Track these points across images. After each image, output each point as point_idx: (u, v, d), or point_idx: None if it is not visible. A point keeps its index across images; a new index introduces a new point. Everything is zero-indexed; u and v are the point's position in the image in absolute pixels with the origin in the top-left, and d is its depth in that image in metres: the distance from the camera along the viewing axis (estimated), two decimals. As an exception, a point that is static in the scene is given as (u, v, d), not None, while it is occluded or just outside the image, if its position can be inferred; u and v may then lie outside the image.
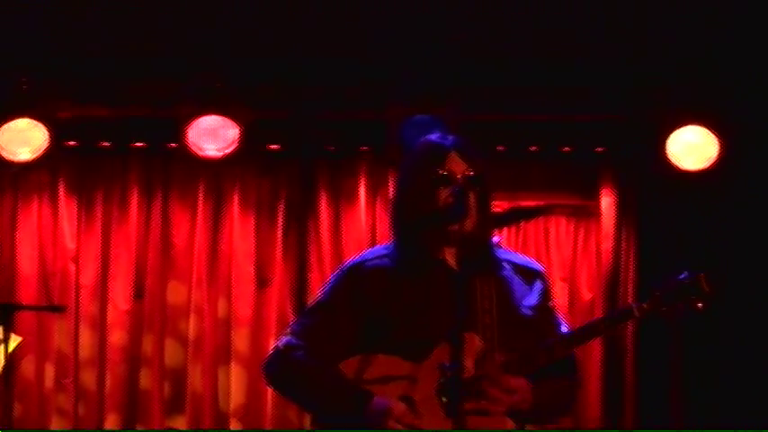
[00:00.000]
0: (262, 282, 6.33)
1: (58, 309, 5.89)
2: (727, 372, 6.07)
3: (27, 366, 6.18)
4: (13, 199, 6.27)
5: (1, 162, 5.92)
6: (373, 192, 6.34)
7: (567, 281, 6.38)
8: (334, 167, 6.36)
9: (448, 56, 5.84)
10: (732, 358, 6.08)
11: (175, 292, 6.31)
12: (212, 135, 5.94)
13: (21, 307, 5.53)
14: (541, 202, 6.37)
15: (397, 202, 3.54)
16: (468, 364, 3.27)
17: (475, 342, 3.31)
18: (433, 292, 3.37)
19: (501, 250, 3.51)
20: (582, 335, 3.42)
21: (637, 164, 6.23)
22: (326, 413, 3.42)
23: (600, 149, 6.27)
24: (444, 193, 3.38)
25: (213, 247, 6.33)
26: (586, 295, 6.37)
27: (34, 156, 5.89)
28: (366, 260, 3.48)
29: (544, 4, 5.62)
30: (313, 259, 6.29)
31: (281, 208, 6.35)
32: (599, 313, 6.15)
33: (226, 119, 5.91)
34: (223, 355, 6.29)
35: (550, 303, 3.53)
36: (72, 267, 6.25)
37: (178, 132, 5.91)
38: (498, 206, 3.63)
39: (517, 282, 3.47)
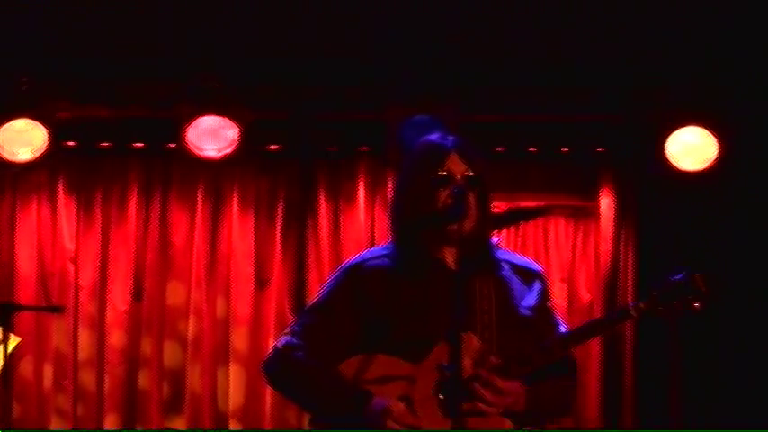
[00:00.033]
0: (261, 282, 6.33)
1: (56, 309, 5.89)
2: (727, 372, 6.07)
3: (26, 367, 6.17)
4: (13, 199, 6.27)
5: (0, 162, 5.92)
6: (372, 192, 6.34)
7: (566, 281, 6.38)
8: (333, 168, 6.36)
9: (447, 56, 5.84)
10: (731, 358, 6.08)
11: (174, 293, 6.31)
12: (212, 135, 5.94)
13: (19, 307, 5.52)
14: (540, 203, 6.37)
15: (396, 202, 3.54)
16: (467, 364, 3.27)
17: (473, 342, 3.31)
18: (432, 292, 3.37)
19: (500, 251, 3.51)
20: (579, 335, 3.42)
21: (636, 165, 6.23)
22: (326, 413, 3.42)
23: (599, 150, 6.27)
24: (444, 194, 3.37)
25: (212, 247, 6.33)
26: (585, 296, 6.37)
27: (34, 156, 5.89)
28: (365, 260, 3.48)
29: (543, 5, 5.62)
30: (312, 259, 6.29)
31: (281, 208, 6.35)
32: (598, 314, 6.15)
33: (225, 119, 5.91)
34: (222, 355, 6.29)
35: (549, 304, 3.53)
36: (71, 268, 6.25)
37: (177, 133, 5.91)
38: (497, 207, 3.63)
39: (516, 282, 3.47)
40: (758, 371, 6.04)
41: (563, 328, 3.49)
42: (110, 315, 6.26)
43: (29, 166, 5.97)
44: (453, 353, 3.15)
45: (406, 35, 5.75)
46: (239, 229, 6.32)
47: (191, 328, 6.26)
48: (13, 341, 5.10)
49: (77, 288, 6.25)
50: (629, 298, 6.16)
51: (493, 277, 3.42)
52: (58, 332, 6.23)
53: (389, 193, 5.99)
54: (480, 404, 3.27)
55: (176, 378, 6.27)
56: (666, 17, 5.64)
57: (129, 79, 6.02)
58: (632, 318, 3.39)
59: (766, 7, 5.57)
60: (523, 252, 6.18)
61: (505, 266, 3.48)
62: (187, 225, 6.33)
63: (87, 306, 6.25)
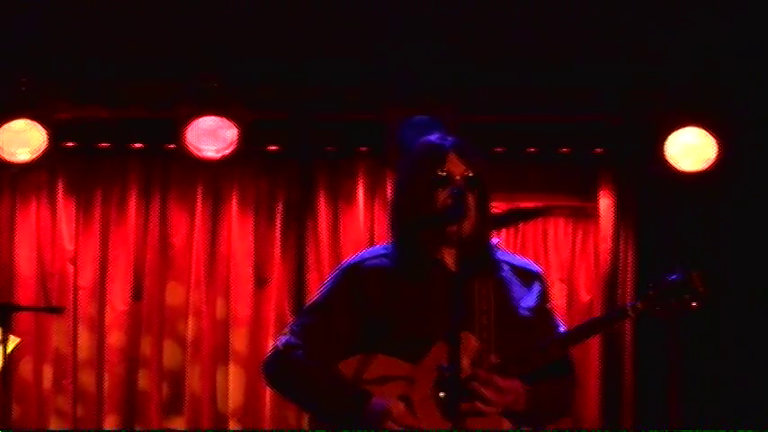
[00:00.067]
0: (260, 282, 6.33)
1: (56, 310, 5.89)
2: (726, 372, 6.07)
3: (25, 367, 6.17)
4: (12, 200, 6.27)
5: (-1, 163, 5.93)
6: (372, 192, 6.34)
7: (566, 282, 6.38)
8: (332, 168, 6.36)
9: (446, 57, 5.84)
10: (731, 358, 6.08)
11: (174, 293, 6.31)
12: (211, 136, 5.94)
13: (19, 308, 5.52)
14: (540, 204, 6.37)
15: (395, 202, 3.54)
16: (465, 364, 3.27)
17: (471, 342, 3.31)
18: (431, 292, 3.37)
19: (499, 252, 3.51)
20: (577, 334, 3.42)
21: (635, 165, 6.23)
22: (325, 413, 3.42)
23: (598, 151, 6.27)
24: (443, 195, 3.37)
25: (212, 247, 6.33)
26: (585, 296, 6.37)
27: (33, 156, 5.89)
28: (364, 259, 3.48)
29: (543, 5, 5.62)
30: (311, 260, 6.29)
31: (280, 208, 6.35)
32: (597, 314, 6.14)
33: (224, 120, 5.91)
34: (221, 355, 6.28)
35: (548, 305, 3.53)
36: (70, 268, 6.25)
37: (177, 133, 5.91)
38: (497, 207, 3.62)
39: (515, 283, 3.47)
40: (758, 371, 6.04)
41: (562, 330, 3.49)
42: (109, 315, 6.26)
43: (28, 167, 5.97)
44: (452, 353, 3.15)
45: (405, 35, 5.75)
46: (239, 229, 6.32)
47: (190, 328, 6.26)
48: (13, 342, 5.10)
49: (77, 289, 6.25)
50: (629, 298, 6.15)
51: (492, 278, 3.42)
52: (57, 333, 6.23)
53: (389, 194, 5.99)
54: (480, 403, 3.27)
55: (176, 378, 6.27)
56: (666, 18, 5.64)
57: (128, 80, 6.02)
58: (629, 317, 3.39)
59: (766, 7, 5.57)
60: (523, 252, 6.19)
61: (505, 267, 3.47)
62: (186, 225, 6.33)
63: (87, 307, 6.25)
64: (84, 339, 6.25)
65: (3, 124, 5.86)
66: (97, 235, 6.29)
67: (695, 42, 5.75)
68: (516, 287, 3.46)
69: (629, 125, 6.13)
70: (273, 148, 6.27)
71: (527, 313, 3.44)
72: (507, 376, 3.30)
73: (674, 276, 3.35)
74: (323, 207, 6.33)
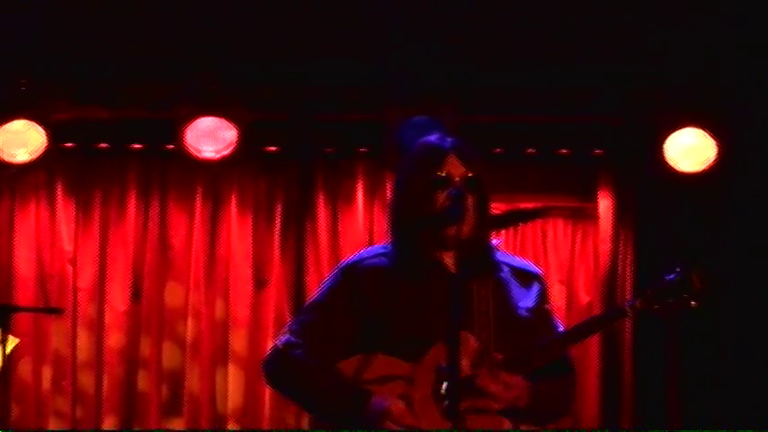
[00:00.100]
0: (259, 283, 6.33)
1: (55, 311, 5.88)
2: (725, 372, 6.07)
3: (24, 368, 6.17)
4: (11, 200, 6.27)
5: (-2, 163, 5.93)
6: (371, 193, 6.34)
7: (565, 283, 6.38)
8: (332, 169, 6.36)
9: (446, 57, 5.84)
10: (730, 359, 6.08)
11: (173, 294, 6.31)
12: (210, 136, 5.93)
13: (18, 309, 5.51)
14: (539, 205, 6.36)
15: (394, 203, 3.54)
16: (464, 364, 3.27)
17: (470, 342, 3.31)
18: (430, 292, 3.36)
19: (498, 253, 3.51)
20: (576, 334, 3.42)
21: (634, 166, 6.23)
22: (325, 412, 3.42)
23: (598, 152, 6.27)
24: (442, 196, 3.37)
25: (211, 248, 6.32)
26: (584, 298, 6.37)
27: (32, 157, 5.88)
28: (363, 258, 3.48)
29: (543, 6, 5.62)
30: (311, 260, 6.29)
31: (279, 209, 6.35)
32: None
33: (224, 120, 5.91)
34: (221, 356, 6.28)
35: (547, 306, 3.53)
36: (69, 269, 6.25)
37: (176, 134, 5.90)
38: (496, 208, 3.61)
39: (514, 284, 3.47)
40: (758, 371, 6.04)
41: (561, 330, 3.49)
42: (108, 316, 6.26)
43: (27, 168, 5.96)
44: (451, 354, 3.14)
45: (405, 35, 5.75)
46: (238, 230, 6.32)
47: (189, 329, 6.25)
48: (12, 342, 5.09)
49: (76, 289, 6.25)
50: (628, 299, 6.15)
51: (491, 279, 3.41)
52: (56, 334, 6.22)
53: (388, 195, 5.98)
54: (487, 400, 3.26)
55: (175, 379, 6.27)
56: (665, 18, 5.64)
57: (127, 80, 6.02)
58: (628, 316, 3.39)
59: (765, 8, 5.57)
60: (522, 254, 6.19)
61: (504, 268, 3.47)
62: (186, 226, 6.33)
63: (86, 307, 6.25)
64: (84, 340, 6.25)
65: (2, 125, 5.86)
66: (96, 236, 6.28)
67: (694, 43, 5.75)
68: (515, 288, 3.46)
69: (628, 126, 6.13)
70: (273, 148, 6.27)
71: (526, 314, 3.44)
72: (511, 372, 3.30)
73: (672, 275, 3.35)
74: (322, 208, 6.33)
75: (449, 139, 3.48)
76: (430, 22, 5.69)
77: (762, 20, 5.63)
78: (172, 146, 6.00)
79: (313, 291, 5.80)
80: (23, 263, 6.22)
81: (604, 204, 6.35)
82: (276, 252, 6.32)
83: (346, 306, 3.43)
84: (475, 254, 3.36)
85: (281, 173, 6.36)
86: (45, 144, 5.87)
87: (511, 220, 3.84)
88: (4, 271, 6.21)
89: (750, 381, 6.04)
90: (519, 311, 3.43)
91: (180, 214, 6.33)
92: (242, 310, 6.28)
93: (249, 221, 6.33)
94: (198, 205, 6.31)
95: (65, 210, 6.27)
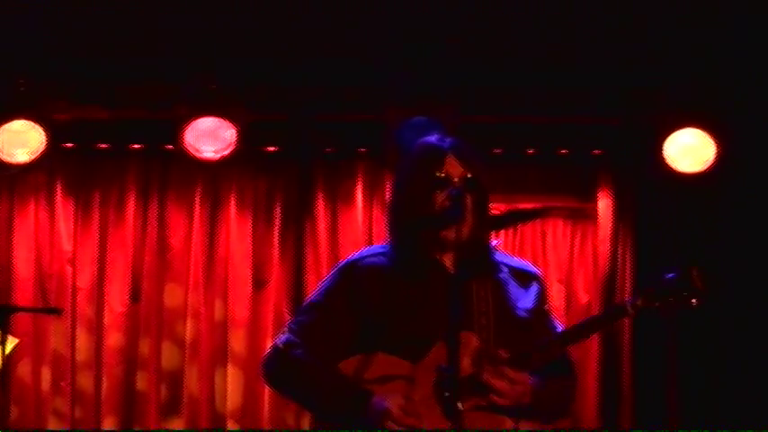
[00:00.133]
0: (258, 283, 6.32)
1: (54, 311, 5.87)
2: (725, 372, 6.07)
3: (24, 369, 6.16)
4: (10, 201, 6.26)
5: (-2, 164, 5.93)
6: (370, 193, 6.34)
7: (564, 283, 6.38)
8: (331, 169, 6.36)
9: (446, 58, 5.84)
10: (730, 359, 6.08)
11: (172, 295, 6.30)
12: (210, 137, 5.93)
13: (17, 309, 5.51)
14: (538, 205, 6.37)
15: (394, 204, 3.54)
16: (466, 362, 3.27)
17: (472, 341, 3.31)
18: (430, 292, 3.36)
19: (497, 253, 3.51)
20: (576, 333, 3.42)
21: (634, 166, 6.23)
22: (325, 412, 3.42)
23: (597, 152, 6.27)
24: (441, 197, 3.37)
25: (210, 249, 6.32)
26: (583, 298, 6.37)
27: (31, 157, 5.88)
28: (362, 257, 3.48)
29: (542, 6, 5.62)
30: (310, 261, 6.29)
31: (279, 209, 6.35)
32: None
33: (223, 120, 5.91)
34: (220, 357, 6.28)
35: (546, 306, 3.53)
36: (69, 269, 6.25)
37: (175, 134, 5.90)
38: (495, 209, 3.61)
39: (513, 285, 3.47)
40: (757, 371, 6.04)
41: (561, 330, 3.49)
42: (108, 317, 6.25)
43: (27, 168, 5.96)
44: (451, 355, 3.14)
45: (405, 36, 5.75)
46: (237, 230, 6.32)
47: (188, 329, 6.25)
48: (11, 343, 5.09)
49: (75, 290, 6.25)
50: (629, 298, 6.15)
51: (490, 279, 3.41)
52: (55, 334, 6.22)
53: (388, 195, 5.98)
54: (494, 396, 3.26)
55: (174, 380, 6.26)
56: (664, 19, 5.64)
57: (127, 80, 6.02)
58: (629, 315, 3.39)
59: (765, 8, 5.57)
60: (521, 254, 6.19)
61: (503, 269, 3.48)
62: (185, 227, 6.32)
63: (85, 308, 6.24)
64: (83, 341, 6.24)
65: (1, 125, 5.86)
66: (96, 236, 6.28)
67: (694, 43, 5.75)
68: (514, 288, 3.46)
69: (627, 126, 6.13)
70: (272, 148, 6.27)
71: (525, 314, 3.44)
72: (516, 369, 3.30)
73: (672, 273, 3.35)
74: (321, 208, 6.33)
75: (448, 140, 3.48)
76: (430, 22, 5.69)
77: (761, 20, 5.63)
78: (171, 146, 6.01)
79: (312, 291, 5.84)
80: (23, 263, 6.22)
81: (604, 204, 6.35)
82: (275, 252, 6.32)
83: (345, 305, 3.43)
84: (474, 254, 3.36)
85: (280, 173, 6.36)
86: (44, 144, 5.87)
87: (510, 220, 3.84)
88: (3, 271, 6.21)
89: (750, 381, 6.04)
90: (518, 312, 3.43)
91: (179, 214, 6.33)
92: (241, 311, 6.28)
93: (248, 222, 6.33)
94: (197, 205, 6.31)
95: (64, 210, 6.27)
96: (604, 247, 6.33)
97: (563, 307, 6.28)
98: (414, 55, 5.81)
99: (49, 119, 5.91)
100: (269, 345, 5.77)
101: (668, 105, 5.97)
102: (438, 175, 3.39)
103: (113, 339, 6.24)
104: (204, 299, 6.28)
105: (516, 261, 3.57)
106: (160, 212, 6.32)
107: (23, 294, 6.17)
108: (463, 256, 3.27)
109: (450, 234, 3.29)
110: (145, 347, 6.26)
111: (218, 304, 6.31)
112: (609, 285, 6.30)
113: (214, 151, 5.93)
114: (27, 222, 6.26)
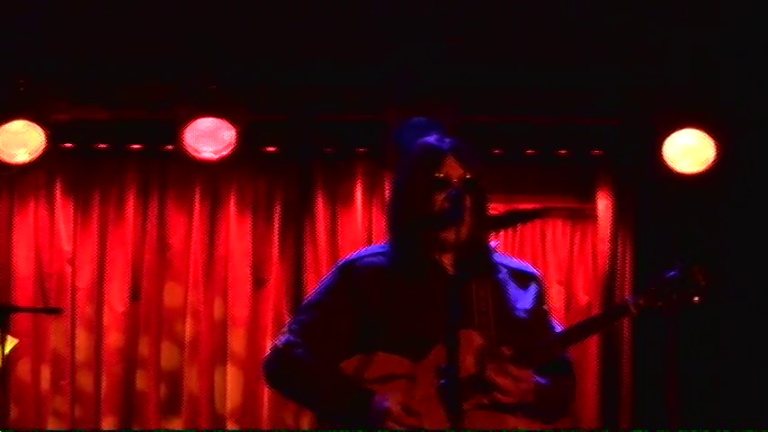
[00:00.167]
0: (258, 283, 6.33)
1: (54, 311, 5.88)
2: (725, 372, 6.07)
3: (23, 368, 6.17)
4: (10, 200, 6.26)
5: (-2, 164, 5.93)
6: (370, 193, 6.34)
7: (564, 284, 6.38)
8: (330, 169, 6.36)
9: (445, 58, 5.84)
10: (730, 359, 6.08)
11: (172, 294, 6.31)
12: (209, 137, 5.93)
13: (17, 309, 5.51)
14: (538, 205, 6.36)
15: (393, 204, 3.54)
16: (469, 361, 3.27)
17: (475, 340, 3.31)
18: (429, 293, 3.36)
19: (496, 254, 3.51)
20: (578, 332, 3.42)
21: (633, 167, 6.23)
22: (326, 412, 3.42)
23: (596, 152, 6.27)
24: (440, 197, 3.37)
25: (209, 248, 6.33)
26: (583, 298, 6.37)
27: (31, 157, 5.88)
28: (362, 257, 3.48)
29: (542, 7, 5.62)
30: (309, 261, 6.29)
31: (278, 209, 6.35)
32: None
33: (222, 121, 5.91)
34: (219, 356, 6.28)
35: (545, 307, 3.52)
36: (68, 269, 6.25)
37: (175, 134, 5.90)
38: (494, 209, 3.61)
39: (512, 285, 3.47)
40: (757, 371, 6.04)
41: (561, 330, 3.49)
42: (107, 316, 6.26)
43: (26, 168, 5.96)
44: (451, 355, 3.14)
45: (405, 36, 5.75)
46: (236, 230, 6.32)
47: (188, 329, 6.25)
48: (11, 343, 5.09)
49: (75, 289, 6.25)
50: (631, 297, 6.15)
51: (489, 280, 3.41)
52: (55, 333, 6.22)
53: (387, 195, 5.98)
54: (498, 394, 3.27)
55: (174, 379, 6.27)
56: (664, 19, 5.64)
57: (126, 81, 6.02)
58: (632, 314, 3.38)
59: (764, 8, 5.57)
60: (521, 254, 6.20)
61: (502, 270, 3.48)
62: (184, 226, 6.33)
63: (85, 307, 6.25)
64: (82, 340, 6.25)
65: (1, 125, 5.86)
66: (95, 236, 6.28)
67: (693, 44, 5.75)
68: (513, 289, 3.46)
69: (627, 127, 6.13)
70: (271, 149, 6.27)
71: (524, 315, 3.44)
72: (519, 367, 3.30)
73: (673, 272, 3.34)
74: (321, 208, 6.33)
75: (447, 140, 3.48)
76: (430, 22, 5.69)
77: (761, 20, 5.63)
78: (171, 146, 6.01)
79: (312, 290, 5.84)
80: (22, 263, 6.22)
81: (603, 205, 6.35)
82: (275, 252, 6.32)
83: (345, 304, 3.42)
84: (473, 255, 3.36)
85: (280, 173, 6.36)
86: (44, 144, 5.87)
87: (509, 220, 3.83)
88: (2, 271, 6.22)
89: (750, 381, 6.04)
90: (517, 312, 3.43)
91: (179, 214, 6.33)
92: (241, 310, 6.28)
93: (248, 221, 6.33)
94: (197, 205, 6.31)
95: (64, 210, 6.27)
96: (604, 248, 6.33)
97: (563, 307, 6.28)
98: (414, 55, 5.81)
99: (49, 119, 5.91)
100: (268, 344, 5.80)
101: (668, 106, 5.97)
102: (437, 175, 3.39)
103: (113, 339, 6.24)
104: (204, 298, 6.28)
105: (515, 262, 3.57)
106: (160, 212, 6.32)
107: (23, 294, 6.17)
108: (462, 257, 3.27)
109: (450, 235, 3.29)
110: (144, 347, 6.27)
111: (217, 303, 6.31)
112: (608, 285, 6.30)
113: (213, 152, 5.93)
114: (27, 222, 6.26)
